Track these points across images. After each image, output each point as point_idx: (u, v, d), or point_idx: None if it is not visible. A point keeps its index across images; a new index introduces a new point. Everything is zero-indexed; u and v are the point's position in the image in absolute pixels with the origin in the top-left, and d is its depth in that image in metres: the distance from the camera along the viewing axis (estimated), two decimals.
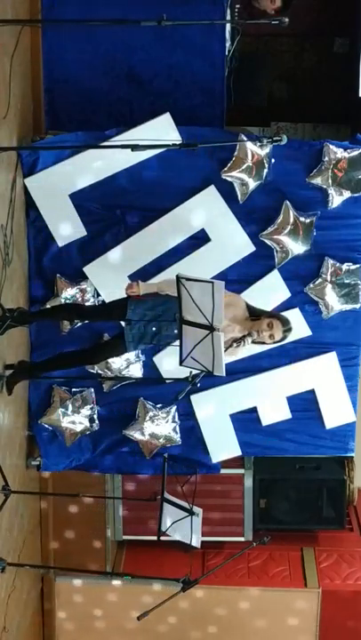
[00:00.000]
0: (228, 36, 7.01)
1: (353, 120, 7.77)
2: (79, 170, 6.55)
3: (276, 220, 6.63)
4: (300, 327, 6.67)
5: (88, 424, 6.97)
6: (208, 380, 6.24)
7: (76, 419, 6.93)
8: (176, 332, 5.60)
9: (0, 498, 5.79)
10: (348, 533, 7.73)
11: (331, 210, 6.64)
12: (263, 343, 5.84)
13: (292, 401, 6.96)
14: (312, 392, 6.96)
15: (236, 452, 7.06)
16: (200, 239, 6.69)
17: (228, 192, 6.60)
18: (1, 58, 5.97)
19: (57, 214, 6.63)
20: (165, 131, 6.38)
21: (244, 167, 6.52)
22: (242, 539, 7.46)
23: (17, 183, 6.37)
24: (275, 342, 5.85)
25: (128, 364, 6.83)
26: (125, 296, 5.88)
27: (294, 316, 6.60)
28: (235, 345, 5.67)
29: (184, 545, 6.17)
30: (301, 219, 6.61)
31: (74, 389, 6.92)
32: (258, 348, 6.45)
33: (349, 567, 7.48)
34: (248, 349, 6.07)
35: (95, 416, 6.98)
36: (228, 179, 6.57)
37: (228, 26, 6.96)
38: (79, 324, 6.77)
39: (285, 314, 6.04)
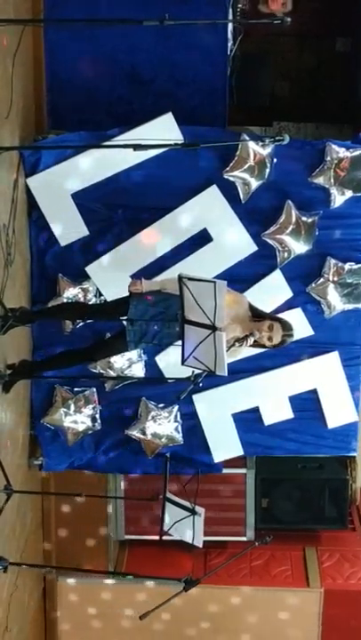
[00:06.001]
0: (230, 35, 7.01)
1: (355, 120, 7.77)
2: (81, 169, 6.55)
3: (279, 220, 6.62)
4: (302, 327, 6.66)
5: (90, 424, 6.97)
6: (210, 379, 6.22)
7: (78, 418, 6.93)
8: (178, 330, 5.60)
9: (2, 497, 5.79)
10: (350, 533, 7.73)
11: (333, 209, 6.64)
12: (262, 346, 5.80)
13: (295, 401, 6.96)
14: (314, 392, 6.96)
15: (238, 451, 7.06)
16: (202, 239, 6.69)
17: (230, 192, 6.60)
18: (3, 57, 5.97)
19: (59, 214, 6.63)
20: (167, 130, 6.37)
21: (246, 167, 6.52)
22: (244, 538, 7.46)
23: (19, 183, 6.37)
24: (273, 346, 5.76)
25: (130, 364, 6.83)
26: (128, 295, 5.88)
27: (296, 315, 6.60)
28: (237, 345, 5.65)
29: (186, 544, 6.17)
30: (304, 218, 6.61)
31: (76, 389, 6.92)
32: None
33: (352, 567, 7.47)
34: (249, 350, 6.05)
35: (97, 416, 6.98)
36: (231, 178, 6.57)
37: (230, 25, 6.96)
38: (81, 323, 6.77)
39: (287, 313, 6.04)
